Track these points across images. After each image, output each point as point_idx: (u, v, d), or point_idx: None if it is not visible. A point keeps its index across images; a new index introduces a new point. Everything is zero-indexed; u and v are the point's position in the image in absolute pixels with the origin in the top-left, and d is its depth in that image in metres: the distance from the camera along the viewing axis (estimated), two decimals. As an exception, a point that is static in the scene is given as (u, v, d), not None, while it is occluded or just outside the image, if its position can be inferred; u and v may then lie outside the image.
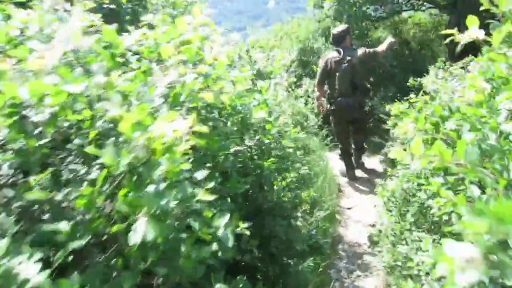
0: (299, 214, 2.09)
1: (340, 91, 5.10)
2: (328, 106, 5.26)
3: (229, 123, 1.58)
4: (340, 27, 5.51)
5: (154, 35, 1.51)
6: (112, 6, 2.65)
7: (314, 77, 7.01)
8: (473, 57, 4.52)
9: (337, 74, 5.06)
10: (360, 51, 5.23)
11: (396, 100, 5.70)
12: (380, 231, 2.64)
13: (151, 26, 1.92)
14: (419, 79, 4.67)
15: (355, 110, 5.16)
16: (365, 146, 6.02)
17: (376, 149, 6.50)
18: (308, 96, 5.82)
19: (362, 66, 5.21)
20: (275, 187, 1.75)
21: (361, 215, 4.82)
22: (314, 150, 4.18)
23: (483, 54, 3.45)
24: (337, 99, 5.15)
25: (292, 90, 5.21)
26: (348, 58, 5.09)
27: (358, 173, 5.71)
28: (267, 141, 1.72)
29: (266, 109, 1.61)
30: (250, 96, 1.69)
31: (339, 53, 5.19)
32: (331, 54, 5.31)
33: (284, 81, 4.05)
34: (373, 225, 2.81)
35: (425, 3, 8.80)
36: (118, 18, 2.78)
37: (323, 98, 5.38)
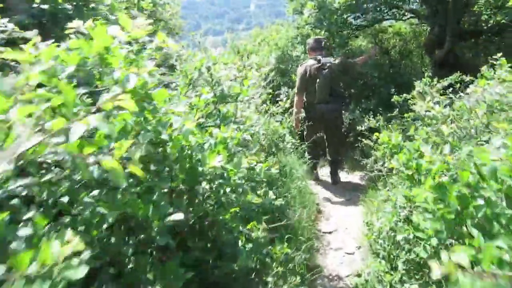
0: (269, 279, 1.68)
1: (319, 98, 5.21)
2: (305, 114, 5.32)
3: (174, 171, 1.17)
4: (319, 37, 5.91)
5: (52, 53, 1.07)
6: (45, 6, 2.17)
7: (293, 87, 6.72)
8: (463, 76, 4.37)
9: (318, 80, 5.18)
10: (338, 59, 5.54)
11: (378, 113, 5.53)
12: (367, 281, 2.27)
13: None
14: (404, 95, 4.39)
15: (333, 116, 5.32)
16: (342, 158, 6.03)
17: (356, 165, 6.21)
18: (285, 111, 5.46)
19: (340, 74, 5.42)
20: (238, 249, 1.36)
21: (342, 241, 4.47)
22: (291, 171, 3.81)
23: (484, 76, 3.21)
24: (316, 106, 5.27)
25: (267, 105, 4.84)
26: (328, 64, 5.30)
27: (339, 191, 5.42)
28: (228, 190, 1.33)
29: (224, 152, 1.21)
30: (203, 134, 1.29)
31: (318, 60, 5.36)
32: (310, 62, 5.47)
33: (258, 99, 3.67)
34: (359, 275, 2.43)
35: (406, 13, 8.64)
36: (55, 21, 2.28)
37: (301, 113, 5.37)
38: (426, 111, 2.84)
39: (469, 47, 8.24)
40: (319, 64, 5.27)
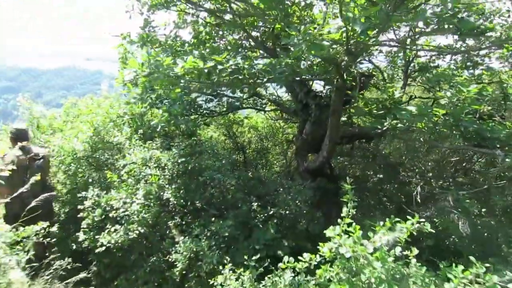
0: None
1: (33, 190, 4.60)
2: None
3: None
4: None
5: None
6: None
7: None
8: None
9: (29, 171, 4.97)
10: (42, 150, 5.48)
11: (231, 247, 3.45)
12: None
13: None
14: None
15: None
16: None
17: None
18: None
19: None
20: None
21: None
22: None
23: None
24: (27, 199, 4.66)
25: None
26: (42, 154, 5.28)
27: None
28: None
29: None
30: None
31: (27, 150, 5.21)
32: (13, 152, 5.13)
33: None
34: None
35: (268, 103, 7.37)
36: None
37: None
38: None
39: (345, 154, 7.42)
40: (32, 154, 5.23)
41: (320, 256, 3.09)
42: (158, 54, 4.41)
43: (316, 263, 3.14)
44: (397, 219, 2.79)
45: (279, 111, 9.78)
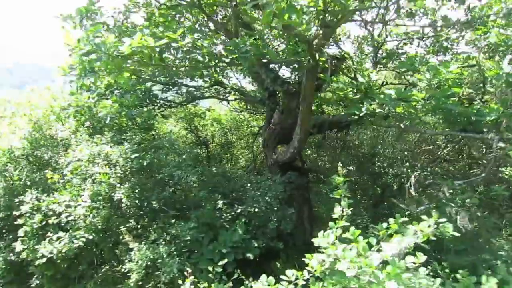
0: None
1: None
2: None
3: None
4: None
5: None
6: None
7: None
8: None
9: None
10: None
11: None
12: None
13: None
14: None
15: None
16: None
17: None
18: None
19: None
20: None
21: None
22: None
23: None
24: None
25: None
26: None
27: None
28: None
29: None
30: None
31: None
32: None
33: None
34: None
35: (232, 92, 6.90)
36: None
37: None
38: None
39: (314, 145, 7.07)
40: None
41: (308, 272, 2.40)
42: (97, 29, 3.78)
43: (304, 282, 2.46)
44: (404, 219, 2.29)
45: (243, 102, 9.34)
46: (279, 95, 6.69)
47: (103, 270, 4.81)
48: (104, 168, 4.76)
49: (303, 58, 4.72)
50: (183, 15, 6.68)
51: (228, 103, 9.35)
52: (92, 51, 3.79)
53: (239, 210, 5.13)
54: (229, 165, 9.77)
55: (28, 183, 5.37)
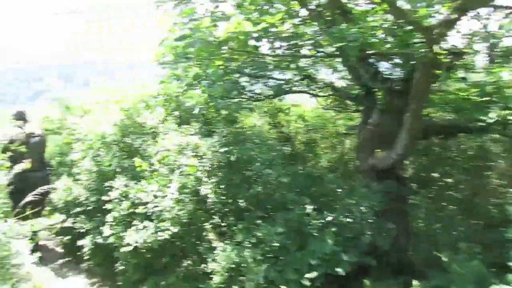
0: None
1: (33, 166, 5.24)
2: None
3: None
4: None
5: None
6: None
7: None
8: None
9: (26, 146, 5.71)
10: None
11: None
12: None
13: None
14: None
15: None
16: None
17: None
18: None
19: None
20: None
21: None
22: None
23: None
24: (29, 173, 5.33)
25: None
26: (39, 132, 6.24)
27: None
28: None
29: None
30: None
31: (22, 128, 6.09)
32: (13, 130, 6.05)
33: None
34: None
35: (324, 88, 6.44)
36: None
37: None
38: None
39: (417, 152, 6.27)
40: (28, 132, 6.03)
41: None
42: (192, 12, 3.59)
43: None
44: None
45: (331, 99, 8.79)
46: (377, 92, 6.07)
47: (184, 265, 4.70)
48: (191, 160, 4.64)
49: (418, 51, 4.11)
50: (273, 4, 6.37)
51: (317, 98, 8.86)
52: (187, 36, 3.63)
53: (329, 218, 4.68)
54: (311, 165, 9.32)
55: (118, 169, 5.49)
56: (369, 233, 4.75)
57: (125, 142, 5.80)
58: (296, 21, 3.73)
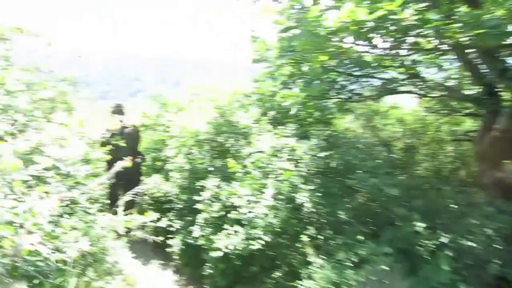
0: None
1: (124, 154, 5.40)
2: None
3: None
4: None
5: None
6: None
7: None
8: None
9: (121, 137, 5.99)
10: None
11: None
12: None
13: None
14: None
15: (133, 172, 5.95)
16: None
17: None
18: None
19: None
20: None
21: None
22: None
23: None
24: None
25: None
26: (131, 123, 6.63)
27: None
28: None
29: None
30: None
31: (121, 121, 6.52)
32: (112, 122, 6.44)
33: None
34: None
35: (436, 87, 5.66)
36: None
37: None
38: None
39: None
40: (123, 124, 6.44)
41: None
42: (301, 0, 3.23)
43: None
44: None
45: (437, 100, 7.84)
46: (502, 92, 5.17)
47: (275, 277, 4.39)
48: (287, 164, 4.32)
49: None
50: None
51: (416, 101, 8.01)
52: (293, 27, 3.29)
53: (444, 240, 4.00)
54: (411, 175, 8.44)
55: (210, 168, 5.40)
56: (496, 261, 3.97)
57: (218, 141, 5.71)
58: (420, 6, 3.18)
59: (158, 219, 5.00)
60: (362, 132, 9.17)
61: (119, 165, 4.14)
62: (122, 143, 5.59)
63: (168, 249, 5.93)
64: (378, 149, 5.38)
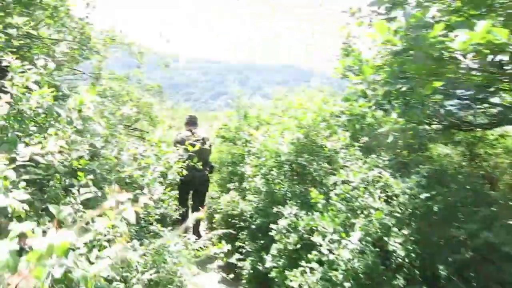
0: None
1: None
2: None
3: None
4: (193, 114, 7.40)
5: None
6: None
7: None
8: None
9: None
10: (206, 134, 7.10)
11: None
12: None
13: None
14: None
15: (201, 183, 6.88)
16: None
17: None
18: None
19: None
20: None
21: None
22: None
23: None
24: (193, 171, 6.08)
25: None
26: (203, 136, 6.89)
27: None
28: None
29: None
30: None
31: (192, 132, 6.88)
32: (186, 133, 6.92)
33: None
34: None
35: None
36: None
37: None
38: None
39: None
40: (196, 137, 6.74)
41: None
42: (424, 15, 2.68)
43: None
44: None
45: None
46: None
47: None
48: (379, 203, 3.76)
49: None
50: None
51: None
52: (409, 49, 2.77)
53: None
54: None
55: (288, 194, 5.01)
56: None
57: (299, 163, 5.29)
58: None
59: (229, 252, 4.70)
60: (459, 161, 8.10)
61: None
62: (194, 160, 5.67)
63: (237, 270, 5.69)
64: (499, 196, 4.51)
